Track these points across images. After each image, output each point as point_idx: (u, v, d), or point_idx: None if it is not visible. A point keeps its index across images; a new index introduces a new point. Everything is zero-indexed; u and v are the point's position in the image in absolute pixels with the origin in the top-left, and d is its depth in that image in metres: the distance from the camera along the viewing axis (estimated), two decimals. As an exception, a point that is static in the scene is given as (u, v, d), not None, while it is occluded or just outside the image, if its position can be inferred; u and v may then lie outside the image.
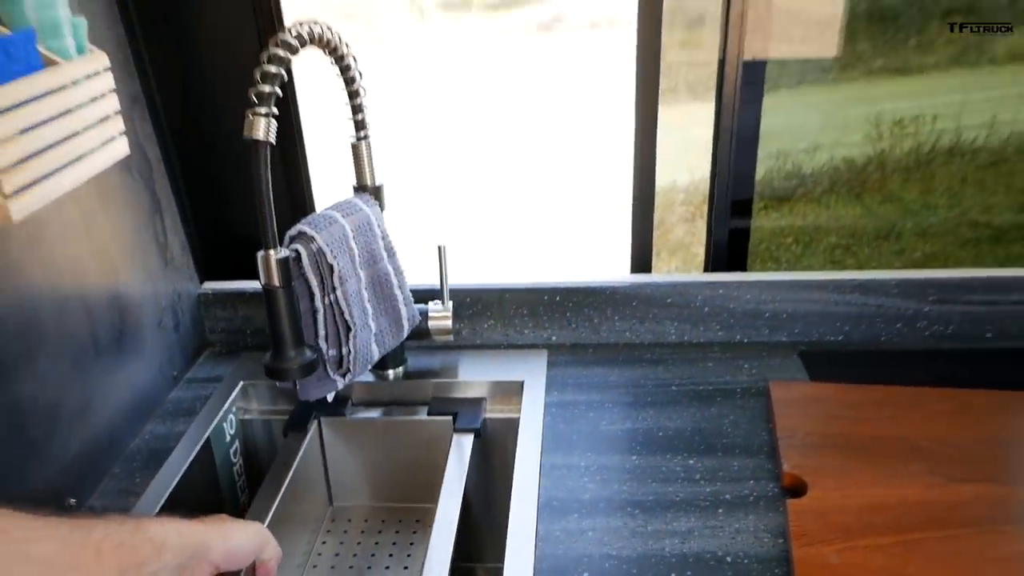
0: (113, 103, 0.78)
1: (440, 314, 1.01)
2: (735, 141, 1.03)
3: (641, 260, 1.10)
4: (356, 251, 0.89)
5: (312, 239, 0.84)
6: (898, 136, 2.23)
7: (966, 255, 2.19)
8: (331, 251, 0.85)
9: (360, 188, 0.96)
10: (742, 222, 1.14)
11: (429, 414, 1.00)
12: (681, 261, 1.76)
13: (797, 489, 0.81)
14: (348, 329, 0.89)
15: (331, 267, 0.85)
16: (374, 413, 1.02)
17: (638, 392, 0.99)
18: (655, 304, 1.07)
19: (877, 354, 1.04)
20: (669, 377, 1.01)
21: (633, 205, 1.08)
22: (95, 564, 0.48)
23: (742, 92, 1.00)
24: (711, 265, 1.15)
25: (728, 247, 1.12)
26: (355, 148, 0.93)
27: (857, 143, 2.25)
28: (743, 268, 1.17)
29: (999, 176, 1.95)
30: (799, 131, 2.18)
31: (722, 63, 0.99)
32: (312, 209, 1.12)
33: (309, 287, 0.85)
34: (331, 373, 0.91)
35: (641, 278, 1.08)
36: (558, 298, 1.07)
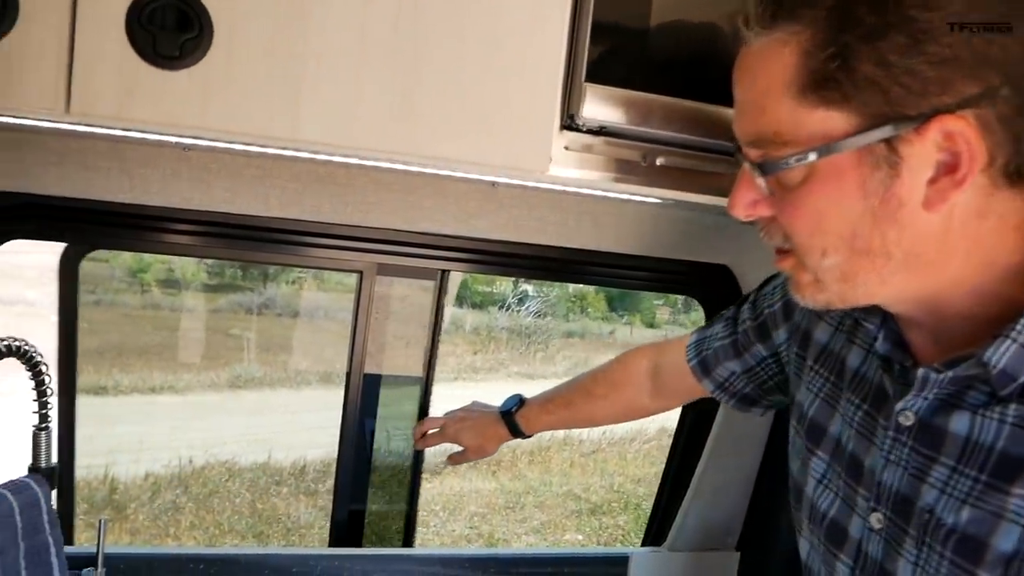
0: None
1: (94, 579, 1.18)
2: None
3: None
4: (20, 525, 1.07)
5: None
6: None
7: (570, 523, 2.67)
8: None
9: (34, 469, 1.14)
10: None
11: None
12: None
13: None
14: (-1, 591, 1.04)
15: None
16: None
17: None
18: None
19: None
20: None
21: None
22: None
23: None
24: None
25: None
26: (35, 436, 1.13)
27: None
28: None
29: (596, 463, 2.50)
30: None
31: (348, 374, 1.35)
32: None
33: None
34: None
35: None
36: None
